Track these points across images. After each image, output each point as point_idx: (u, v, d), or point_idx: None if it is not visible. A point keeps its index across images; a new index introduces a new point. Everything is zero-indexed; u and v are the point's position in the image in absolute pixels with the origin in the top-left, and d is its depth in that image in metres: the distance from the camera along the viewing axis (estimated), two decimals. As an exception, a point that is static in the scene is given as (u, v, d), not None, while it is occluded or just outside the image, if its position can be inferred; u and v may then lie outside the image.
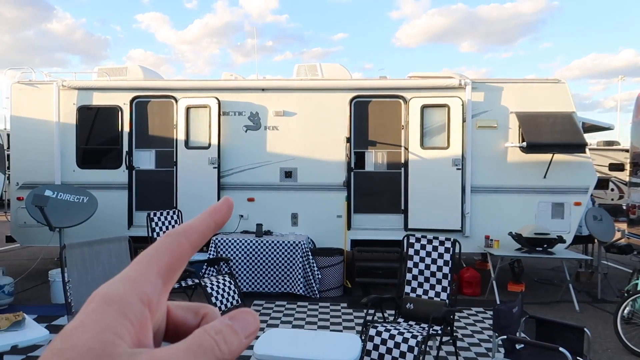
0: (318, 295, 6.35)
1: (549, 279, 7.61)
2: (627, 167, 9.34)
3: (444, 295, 4.33)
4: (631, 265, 5.95)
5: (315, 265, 6.36)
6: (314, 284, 6.31)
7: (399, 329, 3.85)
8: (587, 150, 6.84)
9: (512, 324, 3.86)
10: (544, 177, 6.89)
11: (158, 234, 5.66)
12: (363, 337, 3.83)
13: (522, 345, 3.80)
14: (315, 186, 7.13)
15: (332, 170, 7.10)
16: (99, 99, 7.40)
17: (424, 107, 7.14)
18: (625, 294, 5.17)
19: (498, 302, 5.73)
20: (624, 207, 9.60)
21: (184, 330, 0.34)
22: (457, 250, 4.43)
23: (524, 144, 6.73)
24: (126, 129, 7.32)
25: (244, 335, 0.31)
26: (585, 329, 3.59)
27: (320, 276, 6.36)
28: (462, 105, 7.04)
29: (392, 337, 3.72)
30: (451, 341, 4.12)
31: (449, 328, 4.08)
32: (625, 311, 5.11)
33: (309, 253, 6.39)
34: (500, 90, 7.14)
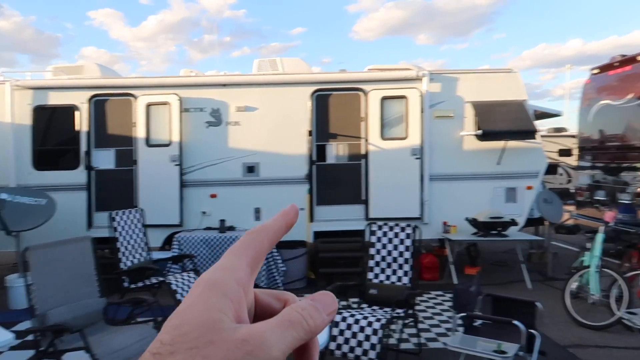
0: (282, 288, 6.46)
1: (503, 261, 7.98)
2: (575, 152, 9.83)
3: (405, 280, 4.52)
4: (578, 244, 6.32)
5: (279, 258, 6.46)
6: (277, 277, 6.41)
7: (363, 314, 4.01)
8: (537, 136, 7.19)
9: (470, 302, 4.09)
10: (498, 163, 7.20)
11: (120, 234, 5.61)
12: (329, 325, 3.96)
13: (480, 322, 4.03)
14: (277, 180, 7.21)
15: (294, 163, 7.20)
16: (55, 99, 7.22)
17: (383, 99, 7.31)
18: (573, 271, 5.52)
19: (456, 284, 6.00)
20: (572, 190, 10.12)
21: (270, 313, 0.38)
22: (417, 236, 4.63)
23: (479, 132, 7.01)
24: (84, 128, 7.18)
25: (325, 313, 0.35)
26: (536, 303, 3.83)
27: (284, 268, 6.47)
28: (420, 96, 7.25)
29: (356, 321, 3.87)
30: (413, 323, 4.32)
31: (410, 311, 4.27)
32: (573, 287, 5.46)
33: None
34: (456, 80, 7.40)
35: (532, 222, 7.96)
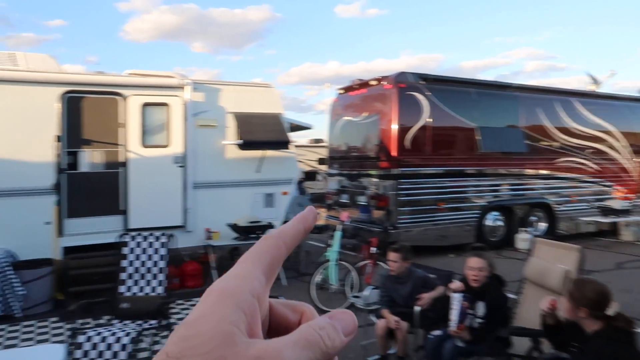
0: (21, 314, 5.64)
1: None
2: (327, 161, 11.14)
3: (160, 289, 4.46)
4: (325, 242, 7.19)
5: (17, 280, 5.62)
6: (13, 302, 5.56)
7: (111, 330, 3.81)
8: (291, 147, 7.91)
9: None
10: (257, 171, 7.68)
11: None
12: (72, 347, 3.65)
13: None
14: (17, 191, 6.29)
15: (39, 172, 6.38)
16: None
17: (144, 105, 7.07)
18: (318, 265, 6.26)
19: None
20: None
21: (285, 325, 0.36)
22: (175, 245, 4.62)
23: (240, 141, 7.37)
24: None
25: (344, 333, 0.33)
26: (279, 298, 4.22)
27: (23, 292, 5.67)
28: (183, 104, 7.24)
29: (103, 339, 3.66)
30: (168, 332, 4.29)
31: (165, 321, 4.23)
32: (318, 279, 6.19)
33: (7, 268, 5.60)
34: (218, 91, 7.61)
35: (290, 225, 8.69)
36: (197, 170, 7.31)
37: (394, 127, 8.68)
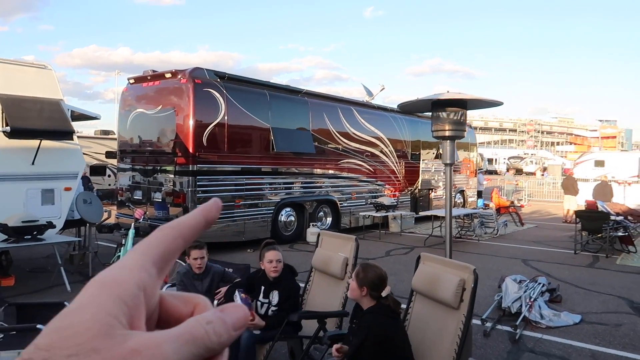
0: None
1: (43, 266, 7.54)
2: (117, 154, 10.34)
3: None
4: (117, 241, 6.71)
5: None
6: None
7: None
8: (74, 137, 7.14)
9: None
10: (32, 163, 6.74)
11: None
12: None
13: (1, 335, 3.67)
14: None
15: None
16: None
17: None
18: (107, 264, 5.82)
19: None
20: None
21: (176, 318, 0.34)
22: None
23: (7, 128, 6.36)
24: None
25: (233, 328, 0.32)
26: (65, 302, 3.82)
27: None
28: None
29: None
30: None
31: None
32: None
33: None
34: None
35: (74, 224, 7.86)
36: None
37: (191, 123, 8.57)
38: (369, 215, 11.99)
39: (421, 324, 3.09)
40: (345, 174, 11.84)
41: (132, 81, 9.88)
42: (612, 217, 10.02)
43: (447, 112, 3.81)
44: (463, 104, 3.81)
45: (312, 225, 10.65)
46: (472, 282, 2.80)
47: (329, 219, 11.61)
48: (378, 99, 14.73)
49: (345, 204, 11.89)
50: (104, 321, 0.28)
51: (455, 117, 3.80)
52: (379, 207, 12.18)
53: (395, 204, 12.71)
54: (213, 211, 0.38)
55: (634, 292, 6.81)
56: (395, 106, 13.86)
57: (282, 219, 10.43)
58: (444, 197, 15.11)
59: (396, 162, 13.44)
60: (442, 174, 15.20)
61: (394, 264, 8.46)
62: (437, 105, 3.88)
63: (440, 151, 15.12)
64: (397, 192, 13.50)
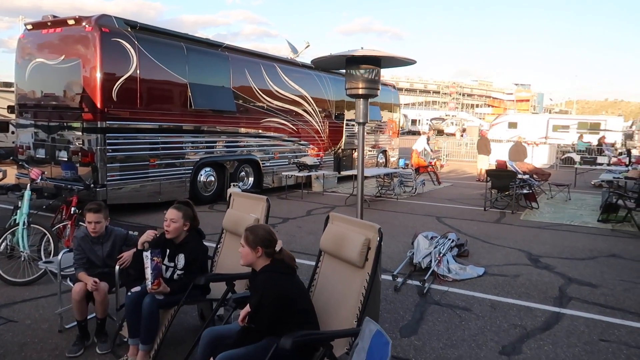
0: None
1: None
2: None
3: None
4: (13, 203, 6.16)
5: None
6: None
7: None
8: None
9: None
10: None
11: None
12: None
13: None
14: None
15: None
16: None
17: None
18: (3, 230, 5.34)
19: None
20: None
21: None
22: None
23: None
24: None
25: None
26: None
27: None
28: None
29: None
30: None
31: None
32: (2, 246, 5.30)
33: None
34: None
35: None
36: None
37: (98, 75, 7.91)
38: (292, 175, 11.96)
39: (328, 283, 3.10)
40: (268, 133, 11.63)
41: (29, 27, 8.91)
42: (519, 176, 10.70)
43: (361, 70, 3.74)
44: (377, 62, 3.75)
45: (233, 185, 10.44)
46: (376, 241, 2.81)
47: (251, 179, 11.44)
48: (304, 57, 14.46)
49: (268, 164, 11.75)
50: None
51: (369, 75, 3.74)
52: (302, 166, 12.16)
53: (319, 163, 12.76)
54: None
55: (533, 244, 7.35)
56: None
57: (202, 179, 10.11)
58: (366, 156, 15.40)
59: (320, 122, 13.39)
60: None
61: (314, 224, 8.54)
62: (351, 62, 3.79)
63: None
64: (320, 152, 13.53)
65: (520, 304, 4.85)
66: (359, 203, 4.02)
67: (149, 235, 3.56)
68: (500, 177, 10.62)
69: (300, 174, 11.84)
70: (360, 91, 3.79)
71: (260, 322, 2.60)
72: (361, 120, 3.92)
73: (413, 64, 3.81)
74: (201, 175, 10.07)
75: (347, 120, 14.40)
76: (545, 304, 4.87)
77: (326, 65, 4.19)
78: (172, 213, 3.50)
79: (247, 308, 2.79)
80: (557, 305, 4.85)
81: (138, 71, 8.44)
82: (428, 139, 16.75)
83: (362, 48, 3.74)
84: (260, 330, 2.61)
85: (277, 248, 2.79)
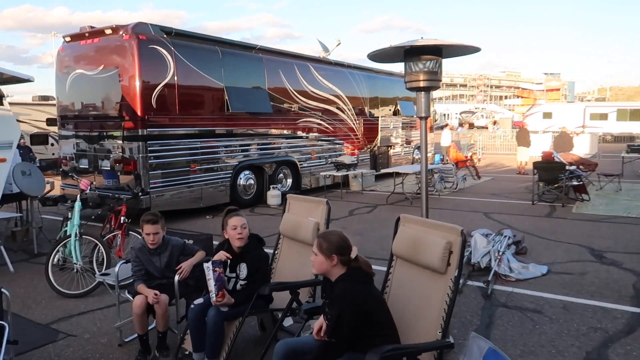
0: None
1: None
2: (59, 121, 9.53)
3: None
4: (62, 214, 6.18)
5: None
6: None
7: None
8: (4, 102, 6.42)
9: None
10: (-42, 134, 6.01)
11: None
12: None
13: None
14: None
15: None
16: None
17: None
18: (56, 242, 5.33)
19: None
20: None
21: None
22: None
23: None
24: None
25: None
26: (2, 290, 3.38)
27: None
28: None
29: None
30: None
31: None
32: (57, 259, 5.29)
33: None
34: None
35: (13, 198, 7.20)
36: None
37: (137, 83, 7.91)
38: (330, 175, 11.77)
39: (404, 290, 2.89)
40: (304, 134, 11.49)
41: (68, 39, 9.00)
42: (567, 167, 10.24)
43: (422, 62, 3.52)
44: (438, 52, 3.53)
45: (273, 187, 10.33)
46: (459, 244, 2.60)
47: (289, 181, 11.31)
48: (333, 55, 14.25)
49: (305, 165, 11.60)
50: None
51: (430, 67, 3.51)
52: (340, 166, 11.96)
53: (356, 162, 12.54)
54: None
55: (593, 239, 6.96)
56: (349, 62, 13.50)
57: (241, 183, 10.03)
58: (402, 153, 15.12)
59: (355, 120, 13.18)
60: (399, 130, 15.11)
61: (358, 223, 8.33)
62: (411, 53, 3.57)
63: (398, 107, 15.05)
64: (356, 150, 13.30)
65: (594, 304, 4.53)
66: (424, 202, 3.80)
67: (220, 256, 3.35)
68: (548, 169, 10.18)
69: (339, 174, 11.65)
70: (422, 84, 3.57)
71: (341, 337, 2.41)
72: (423, 114, 3.70)
73: (478, 52, 3.57)
74: (240, 178, 9.99)
75: (381, 117, 14.14)
76: (621, 304, 4.54)
77: (383, 57, 3.98)
78: (239, 220, 3.34)
79: (322, 320, 2.61)
80: (635, 305, 4.50)
81: (175, 77, 8.41)
82: (451, 129, 16.27)
83: (422, 38, 3.52)
84: (341, 346, 2.43)
85: (353, 255, 2.60)
